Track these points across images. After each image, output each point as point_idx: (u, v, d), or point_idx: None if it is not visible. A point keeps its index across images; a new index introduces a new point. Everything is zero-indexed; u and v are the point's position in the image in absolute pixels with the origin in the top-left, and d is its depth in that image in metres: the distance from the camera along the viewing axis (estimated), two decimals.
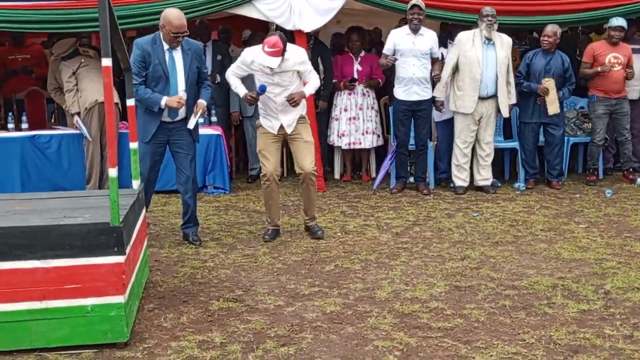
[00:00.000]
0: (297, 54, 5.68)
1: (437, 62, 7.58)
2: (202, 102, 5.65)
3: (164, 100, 5.44)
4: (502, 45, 7.50)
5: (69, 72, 7.51)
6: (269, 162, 5.75)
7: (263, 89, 5.59)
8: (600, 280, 4.78)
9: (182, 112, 5.62)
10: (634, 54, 8.10)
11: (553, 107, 7.65)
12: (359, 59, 8.38)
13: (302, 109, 5.83)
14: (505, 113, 7.62)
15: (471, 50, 7.45)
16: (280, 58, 5.45)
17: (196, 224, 5.93)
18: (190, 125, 5.59)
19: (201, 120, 7.86)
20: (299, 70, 5.69)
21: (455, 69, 7.57)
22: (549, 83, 7.61)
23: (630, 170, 8.21)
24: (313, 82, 5.82)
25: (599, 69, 7.81)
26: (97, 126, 7.50)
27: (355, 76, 8.27)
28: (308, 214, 6.06)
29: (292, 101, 5.62)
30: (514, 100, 7.66)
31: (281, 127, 5.76)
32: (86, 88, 7.47)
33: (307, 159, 5.80)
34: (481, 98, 7.51)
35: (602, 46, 7.95)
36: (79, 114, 7.54)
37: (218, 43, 8.83)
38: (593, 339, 3.79)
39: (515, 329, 3.95)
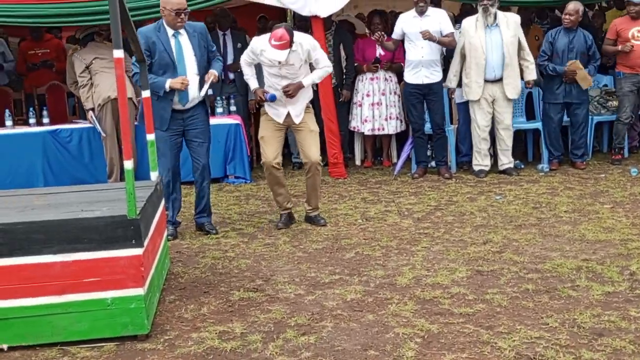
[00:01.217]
0: (304, 44, 5.60)
1: (450, 39, 7.45)
2: (212, 71, 5.57)
3: (168, 83, 5.41)
4: (508, 25, 7.36)
5: (82, 67, 7.52)
6: (269, 150, 5.73)
7: (273, 99, 5.58)
8: (626, 261, 4.70)
9: (192, 98, 5.59)
10: None
11: (586, 82, 7.54)
12: None
13: (308, 97, 5.79)
14: (511, 95, 7.45)
15: (474, 36, 7.35)
16: (287, 51, 5.41)
17: (210, 214, 5.94)
18: (202, 93, 5.54)
19: (220, 110, 7.90)
20: (309, 58, 5.64)
21: (464, 57, 7.49)
22: (575, 63, 7.47)
23: None
24: (319, 71, 5.74)
25: (619, 47, 7.68)
26: (111, 122, 7.52)
27: (378, 56, 8.18)
28: (311, 203, 6.01)
29: (287, 93, 5.59)
30: (534, 76, 7.50)
31: (288, 115, 5.73)
32: (99, 83, 7.50)
33: (313, 148, 5.76)
34: (490, 81, 7.41)
35: (624, 21, 7.81)
36: (93, 109, 7.58)
37: (236, 32, 8.79)
38: (618, 322, 3.72)
39: (539, 313, 3.90)
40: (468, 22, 7.45)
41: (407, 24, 7.40)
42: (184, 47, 5.52)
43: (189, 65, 5.54)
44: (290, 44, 5.40)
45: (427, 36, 7.18)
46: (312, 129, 5.80)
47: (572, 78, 7.51)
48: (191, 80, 5.53)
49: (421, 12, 7.34)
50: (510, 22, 7.39)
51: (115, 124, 7.57)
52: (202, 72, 5.60)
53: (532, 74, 7.51)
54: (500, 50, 7.33)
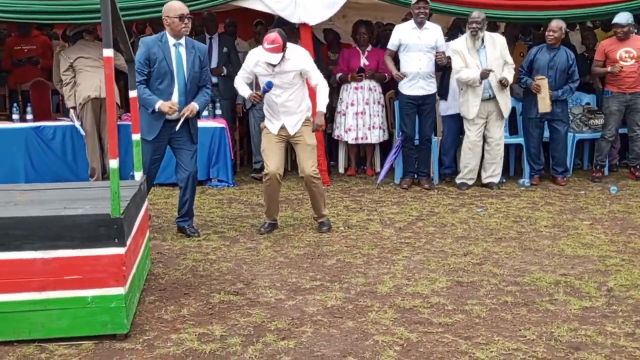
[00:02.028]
0: (298, 55, 5.67)
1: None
2: (193, 105, 5.60)
3: (158, 104, 5.44)
4: (495, 46, 7.43)
5: (66, 65, 7.52)
6: (272, 161, 5.75)
7: (270, 86, 5.58)
8: (603, 277, 4.76)
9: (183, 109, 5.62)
10: None
11: (543, 105, 7.59)
12: (366, 53, 8.33)
13: (306, 111, 5.83)
14: (505, 114, 7.55)
15: (469, 57, 7.39)
16: (280, 54, 5.46)
17: (191, 217, 5.94)
18: (177, 127, 5.54)
19: (205, 113, 7.90)
20: (302, 71, 5.67)
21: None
22: (542, 81, 7.55)
23: (638, 167, 8.14)
24: (322, 94, 5.76)
25: (609, 69, 7.77)
26: (91, 121, 7.54)
27: (362, 66, 8.21)
28: (316, 212, 6.07)
29: (320, 127, 5.78)
30: (509, 76, 7.44)
31: (282, 127, 5.77)
32: (81, 82, 7.50)
33: (308, 162, 5.80)
34: (485, 100, 7.47)
35: (612, 42, 7.89)
36: (74, 108, 7.55)
37: (224, 35, 8.81)
38: (594, 336, 3.76)
39: (517, 325, 3.93)
40: (458, 44, 7.45)
41: (406, 35, 7.45)
42: (182, 58, 5.56)
43: (184, 76, 5.57)
44: (283, 47, 5.44)
45: (486, 75, 7.31)
46: (308, 142, 5.82)
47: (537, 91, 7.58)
48: (179, 92, 5.57)
49: (420, 24, 7.39)
50: (496, 42, 7.46)
51: (96, 123, 7.55)
52: (193, 87, 5.63)
53: (507, 74, 7.45)
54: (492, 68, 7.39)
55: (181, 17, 5.45)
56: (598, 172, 8.10)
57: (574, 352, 3.57)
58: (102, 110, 7.49)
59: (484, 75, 7.29)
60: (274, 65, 5.53)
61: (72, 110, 7.62)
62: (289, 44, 5.63)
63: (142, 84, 5.43)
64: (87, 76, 7.48)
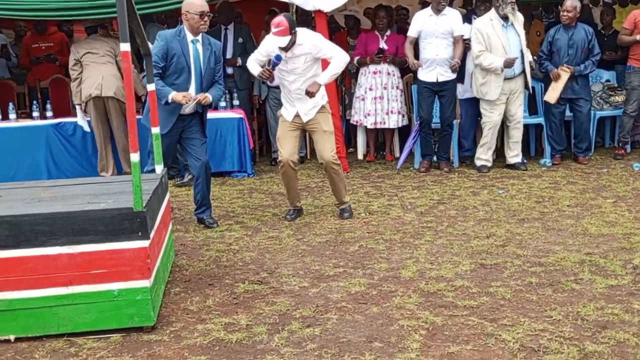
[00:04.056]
0: (309, 40, 5.61)
1: (458, 44, 7.43)
2: (207, 95, 5.58)
3: (171, 95, 5.43)
4: (519, 22, 7.40)
5: (73, 60, 7.46)
6: (285, 149, 5.77)
7: (278, 59, 5.53)
8: (629, 255, 4.72)
9: (198, 106, 5.64)
10: None
11: (551, 95, 7.60)
12: (385, 37, 8.28)
13: (320, 98, 5.78)
14: (530, 88, 7.54)
15: (493, 36, 7.32)
16: (288, 37, 5.43)
17: (209, 207, 5.95)
18: (187, 109, 5.54)
19: (223, 103, 7.92)
20: (314, 52, 5.62)
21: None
22: (565, 73, 7.48)
23: None
24: (331, 67, 5.70)
25: (637, 37, 7.67)
26: (96, 120, 7.45)
27: (382, 48, 8.18)
28: (337, 199, 6.07)
29: (310, 95, 5.61)
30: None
31: (297, 115, 5.76)
32: (86, 79, 7.41)
33: (326, 148, 5.80)
34: (507, 79, 7.41)
35: None
36: (80, 105, 7.53)
37: (239, 26, 8.78)
38: (621, 315, 3.74)
39: (542, 305, 3.91)
40: (482, 22, 7.41)
41: (424, 22, 7.41)
42: (200, 54, 5.57)
43: (200, 72, 5.58)
44: (289, 30, 5.41)
45: (511, 64, 7.28)
46: (325, 129, 5.81)
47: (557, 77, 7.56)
48: (196, 88, 5.58)
49: (438, 11, 7.35)
50: (519, 19, 7.43)
51: (97, 121, 7.47)
52: (207, 83, 5.64)
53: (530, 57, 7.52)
54: (518, 47, 7.36)
55: (202, 15, 5.44)
56: (621, 149, 8.03)
57: (601, 331, 3.55)
58: (106, 108, 7.43)
59: (508, 64, 7.23)
60: (284, 49, 5.51)
61: (78, 107, 7.58)
62: (302, 30, 5.61)
63: (157, 77, 5.41)
64: (92, 73, 7.38)
